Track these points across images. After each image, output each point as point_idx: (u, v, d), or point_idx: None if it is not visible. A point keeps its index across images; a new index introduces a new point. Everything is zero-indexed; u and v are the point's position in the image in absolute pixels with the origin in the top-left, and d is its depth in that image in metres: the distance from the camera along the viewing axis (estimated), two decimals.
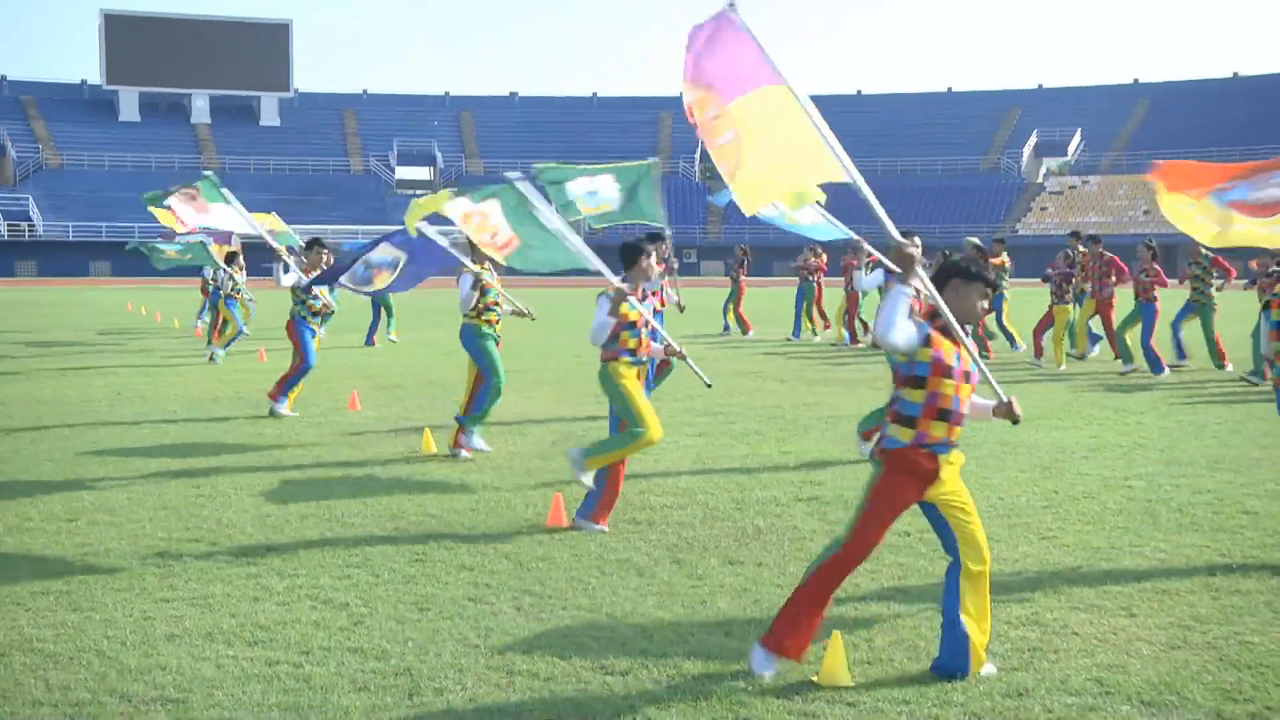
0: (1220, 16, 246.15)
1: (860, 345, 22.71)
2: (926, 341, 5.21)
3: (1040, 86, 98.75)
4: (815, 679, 5.29)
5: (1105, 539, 7.74)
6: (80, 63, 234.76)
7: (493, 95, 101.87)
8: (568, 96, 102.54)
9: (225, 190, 16.06)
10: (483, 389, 11.02)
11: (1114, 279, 18.58)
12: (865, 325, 23.38)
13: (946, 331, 5.29)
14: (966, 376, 5.29)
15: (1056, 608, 6.28)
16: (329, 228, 61.83)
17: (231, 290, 21.10)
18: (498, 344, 11.10)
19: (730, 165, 5.72)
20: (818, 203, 11.89)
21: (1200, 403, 14.49)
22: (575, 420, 13.19)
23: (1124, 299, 18.47)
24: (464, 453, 10.90)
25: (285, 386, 13.71)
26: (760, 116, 5.69)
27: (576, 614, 6.28)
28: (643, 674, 5.42)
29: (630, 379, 8.19)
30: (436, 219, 9.91)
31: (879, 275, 11.26)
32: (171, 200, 16.20)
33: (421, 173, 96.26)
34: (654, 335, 8.48)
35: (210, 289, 23.34)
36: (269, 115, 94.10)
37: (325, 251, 14.05)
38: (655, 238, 11.87)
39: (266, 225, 16.81)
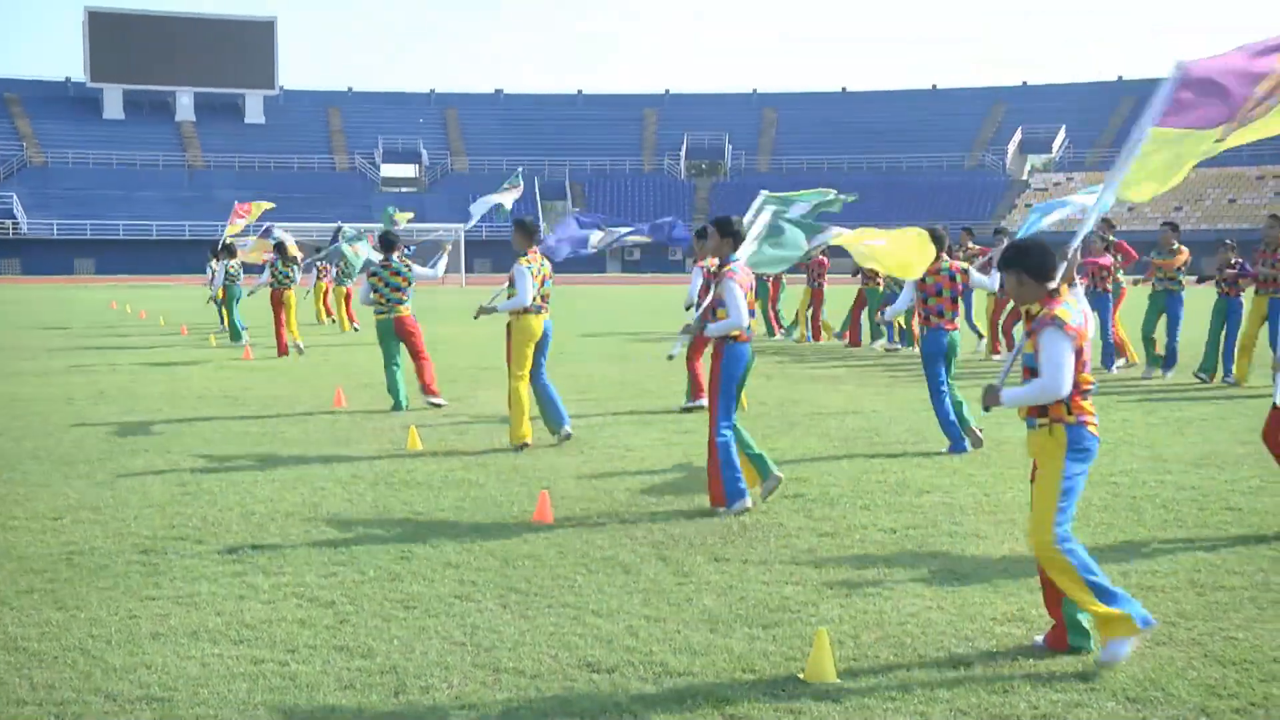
0: (1204, 14, 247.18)
1: (823, 342, 23.21)
2: (1078, 352, 5.45)
3: (1025, 83, 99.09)
4: (801, 676, 5.30)
5: (1090, 536, 7.75)
6: (64, 60, 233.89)
7: (478, 92, 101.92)
8: (553, 94, 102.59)
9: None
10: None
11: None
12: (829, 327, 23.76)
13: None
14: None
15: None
16: (313, 225, 61.56)
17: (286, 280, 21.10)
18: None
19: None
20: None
21: (1184, 399, 14.54)
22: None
23: (1130, 297, 18.41)
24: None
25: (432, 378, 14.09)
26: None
27: (563, 611, 6.28)
28: (629, 671, 5.42)
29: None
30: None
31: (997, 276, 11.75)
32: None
33: (407, 170, 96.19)
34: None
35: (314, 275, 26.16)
36: (254, 113, 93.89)
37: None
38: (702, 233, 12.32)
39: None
